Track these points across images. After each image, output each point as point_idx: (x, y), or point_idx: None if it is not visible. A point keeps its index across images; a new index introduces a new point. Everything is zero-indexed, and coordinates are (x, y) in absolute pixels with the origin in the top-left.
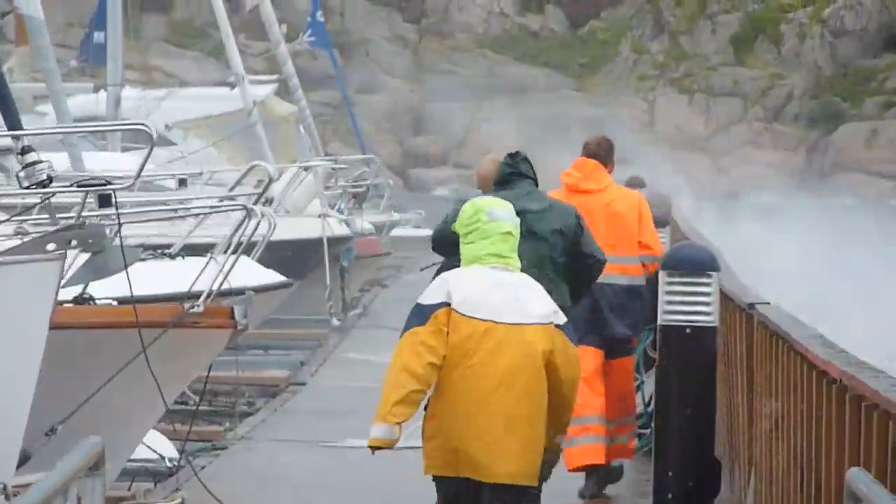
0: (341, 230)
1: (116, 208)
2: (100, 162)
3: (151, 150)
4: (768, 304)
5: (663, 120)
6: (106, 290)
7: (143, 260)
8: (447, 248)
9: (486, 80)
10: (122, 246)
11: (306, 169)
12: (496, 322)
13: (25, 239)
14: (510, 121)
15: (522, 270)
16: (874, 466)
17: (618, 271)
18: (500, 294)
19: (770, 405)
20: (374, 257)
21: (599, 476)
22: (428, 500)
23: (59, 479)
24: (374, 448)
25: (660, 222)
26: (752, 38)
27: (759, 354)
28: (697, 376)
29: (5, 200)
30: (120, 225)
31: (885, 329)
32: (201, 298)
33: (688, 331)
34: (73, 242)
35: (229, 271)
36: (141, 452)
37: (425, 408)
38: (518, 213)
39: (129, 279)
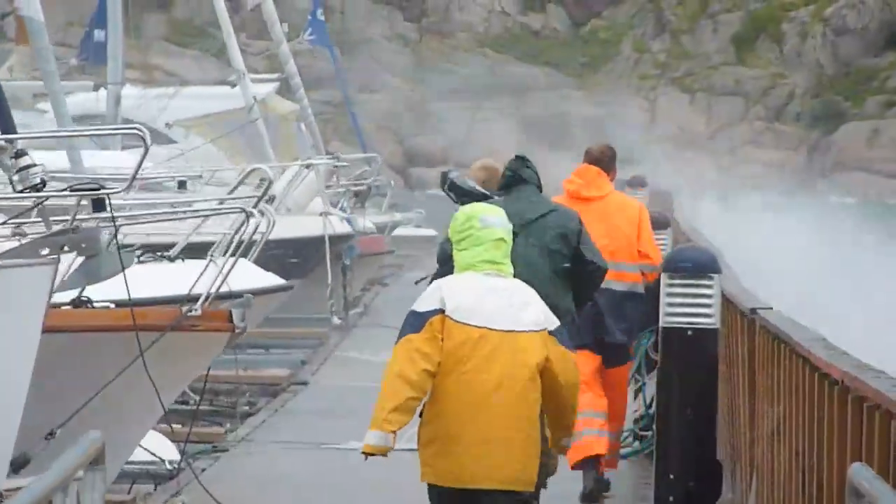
0: (343, 228)
1: (111, 213)
2: (99, 160)
3: (146, 153)
4: (770, 308)
5: (665, 119)
6: (104, 292)
7: (143, 262)
8: (450, 265)
9: (487, 79)
10: (118, 250)
11: (308, 167)
12: (490, 329)
13: (24, 240)
14: (511, 120)
15: (525, 275)
16: (876, 466)
17: (616, 278)
18: (494, 300)
19: (772, 411)
20: (378, 255)
21: (595, 467)
22: None
23: (60, 474)
24: (367, 454)
25: (661, 224)
26: (754, 37)
27: (761, 357)
28: (699, 378)
29: (1, 203)
30: (116, 229)
31: (885, 328)
32: (199, 302)
33: (689, 333)
34: (67, 247)
35: (227, 274)
36: (141, 455)
37: (420, 413)
38: (520, 219)
39: (126, 282)
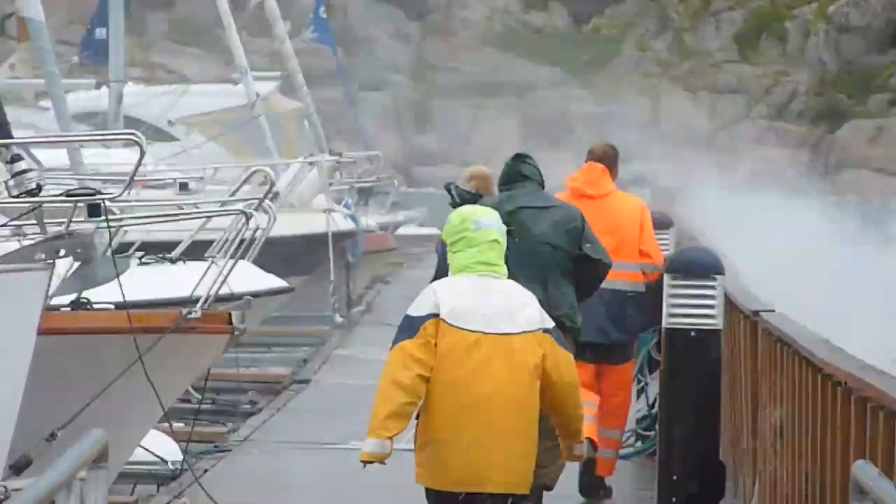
0: (347, 225)
1: (107, 218)
2: (101, 157)
3: (142, 158)
4: (773, 311)
5: (667, 117)
6: (106, 294)
7: (145, 264)
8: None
9: (489, 77)
10: (113, 255)
11: (311, 164)
12: (485, 332)
13: (24, 240)
14: (514, 118)
15: (528, 272)
16: (879, 466)
17: (618, 277)
18: (489, 303)
19: (774, 412)
20: (383, 252)
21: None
22: None
23: (64, 472)
24: (365, 462)
25: (663, 224)
26: (757, 35)
27: (764, 359)
28: (702, 379)
29: None
30: (111, 234)
31: (884, 328)
32: (199, 304)
33: (692, 334)
34: (62, 252)
35: (226, 277)
36: (144, 455)
37: (417, 416)
38: (522, 216)
39: (121, 286)
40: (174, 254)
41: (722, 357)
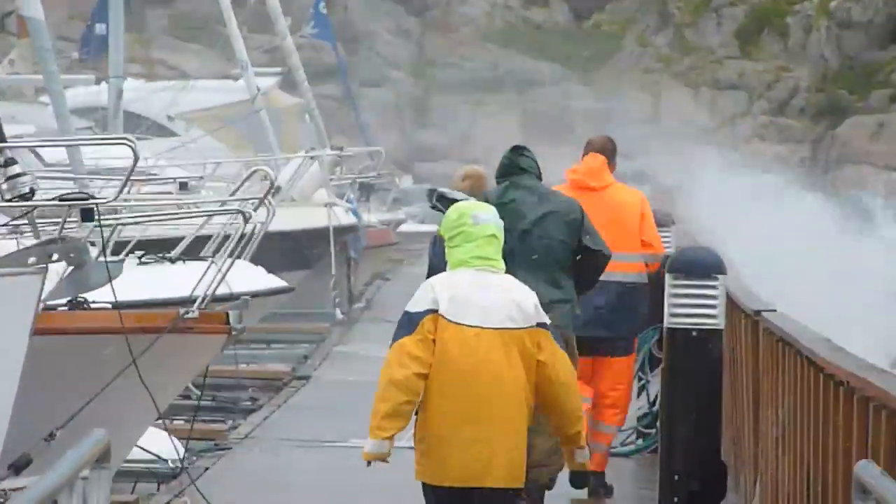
0: (348, 219)
1: (100, 223)
2: (102, 151)
3: (135, 164)
4: (774, 310)
5: (668, 113)
6: (107, 294)
7: (145, 263)
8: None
9: (489, 73)
10: (106, 260)
11: (312, 158)
12: (483, 327)
13: (22, 241)
14: (514, 114)
15: (526, 267)
16: (882, 465)
17: (620, 268)
18: (487, 297)
19: (776, 412)
20: (385, 247)
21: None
22: None
23: (66, 472)
24: (369, 460)
25: (664, 222)
26: (758, 31)
27: (766, 359)
28: (703, 379)
29: None
30: (105, 240)
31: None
32: (196, 304)
33: (694, 333)
34: (55, 256)
35: (223, 277)
36: (145, 453)
37: (416, 412)
38: (520, 208)
39: (113, 291)
40: (174, 253)
41: (723, 356)
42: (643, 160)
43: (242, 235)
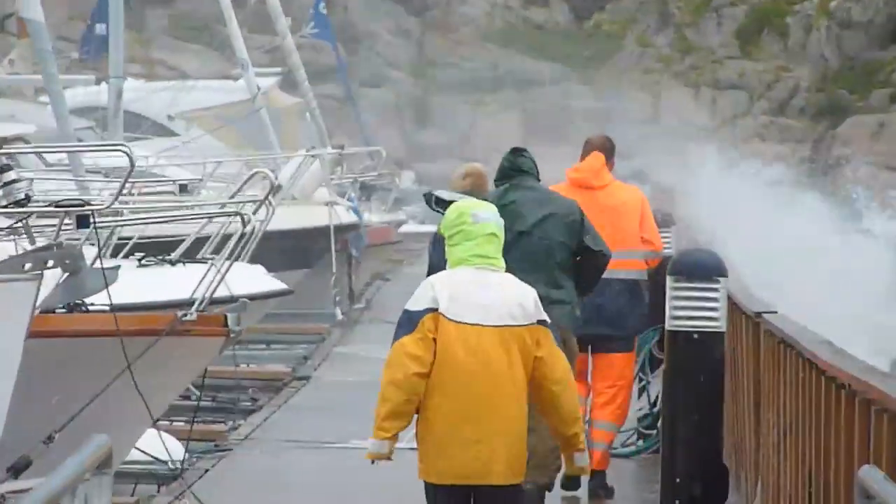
0: (349, 218)
1: (96, 230)
2: (102, 153)
3: (131, 172)
4: (775, 312)
5: (668, 113)
6: (104, 297)
7: (145, 266)
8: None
9: (490, 73)
10: (102, 268)
11: (313, 157)
12: (483, 325)
13: (21, 242)
14: (514, 114)
15: (526, 269)
16: (884, 469)
17: (622, 266)
18: (487, 296)
19: (778, 414)
20: (387, 245)
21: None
22: None
23: (68, 477)
24: (373, 459)
25: (664, 222)
26: (758, 31)
27: (767, 361)
28: (705, 381)
29: None
30: (101, 246)
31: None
32: (194, 307)
33: (695, 336)
34: (51, 263)
35: (221, 279)
36: (145, 455)
37: (418, 411)
38: (520, 210)
39: (109, 296)
40: (174, 256)
41: (724, 358)
42: (643, 160)
43: (241, 237)
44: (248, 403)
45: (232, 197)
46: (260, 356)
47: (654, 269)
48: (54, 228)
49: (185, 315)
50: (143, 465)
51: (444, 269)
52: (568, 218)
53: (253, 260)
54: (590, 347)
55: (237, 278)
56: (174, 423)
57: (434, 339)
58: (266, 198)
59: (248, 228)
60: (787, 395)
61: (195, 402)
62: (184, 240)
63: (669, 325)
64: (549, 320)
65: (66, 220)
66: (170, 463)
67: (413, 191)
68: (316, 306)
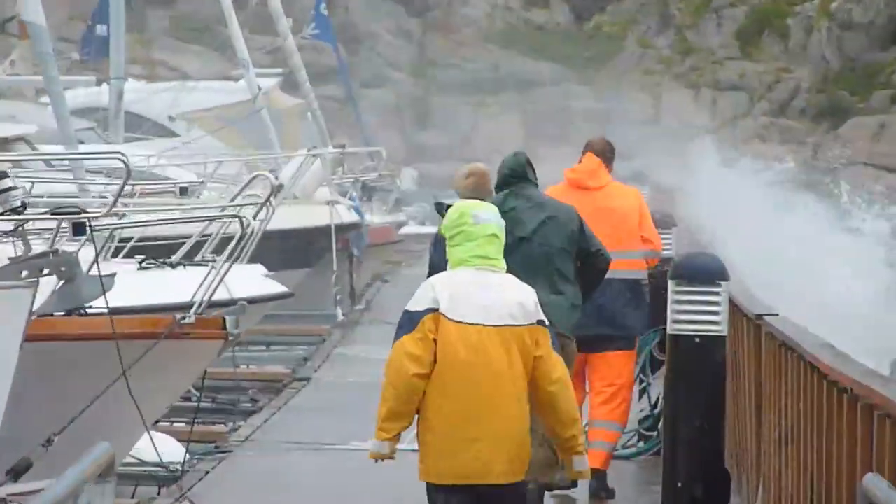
0: (351, 217)
1: (92, 236)
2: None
3: (127, 179)
4: (776, 315)
5: (669, 114)
6: (103, 302)
7: (145, 269)
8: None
9: (491, 74)
10: (100, 275)
11: (314, 156)
12: (484, 325)
13: (19, 244)
14: (515, 115)
15: (527, 275)
16: (886, 475)
17: (622, 266)
18: (487, 296)
19: (779, 418)
20: (388, 245)
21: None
22: None
23: (70, 485)
24: (375, 459)
25: (665, 224)
26: (759, 32)
27: (768, 364)
28: (706, 385)
29: None
30: (97, 253)
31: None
32: (192, 310)
33: (697, 340)
34: (46, 270)
35: (220, 283)
36: (145, 456)
37: (418, 411)
38: (519, 216)
39: (106, 301)
40: (174, 259)
41: (726, 361)
42: (643, 161)
43: (241, 239)
44: (249, 405)
45: (232, 200)
46: (260, 357)
47: (652, 272)
48: (51, 234)
49: (184, 318)
50: (143, 467)
51: (445, 269)
52: (567, 224)
53: (253, 259)
54: (589, 349)
55: (237, 280)
56: (174, 425)
57: (434, 340)
58: (266, 200)
59: (248, 231)
60: (789, 398)
61: (195, 404)
62: (184, 241)
63: (671, 328)
64: (547, 321)
65: (62, 227)
66: (170, 465)
67: (414, 191)
68: (317, 306)
